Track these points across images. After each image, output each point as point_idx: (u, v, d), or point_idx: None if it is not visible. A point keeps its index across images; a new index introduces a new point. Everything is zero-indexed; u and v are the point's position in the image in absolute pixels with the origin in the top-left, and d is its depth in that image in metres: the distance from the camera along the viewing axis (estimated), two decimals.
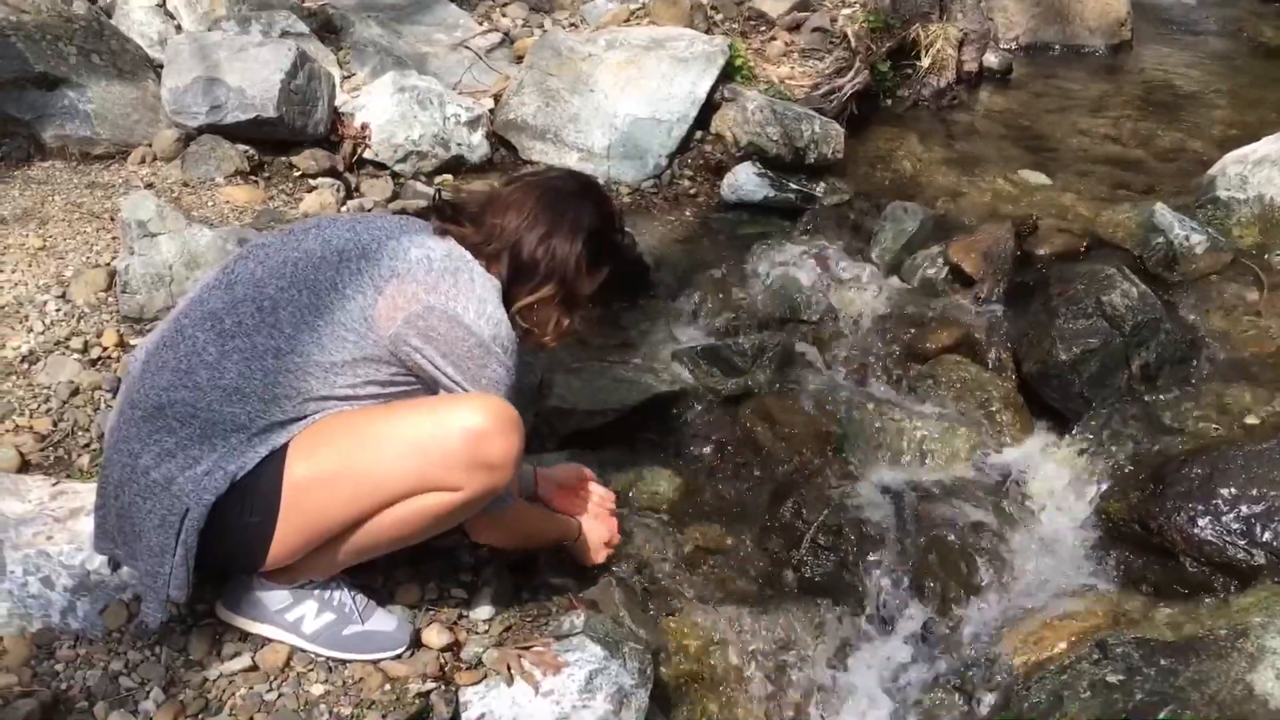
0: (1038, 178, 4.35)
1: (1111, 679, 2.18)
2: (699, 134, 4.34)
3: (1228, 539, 2.51)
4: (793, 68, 4.81)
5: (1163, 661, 2.15)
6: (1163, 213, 3.68)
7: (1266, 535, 2.49)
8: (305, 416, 1.97)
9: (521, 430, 2.00)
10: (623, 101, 4.26)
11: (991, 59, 5.27)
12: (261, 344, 1.95)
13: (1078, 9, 5.87)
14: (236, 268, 2.06)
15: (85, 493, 2.30)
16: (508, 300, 2.10)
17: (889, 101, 4.90)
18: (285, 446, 1.94)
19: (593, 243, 2.16)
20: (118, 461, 1.95)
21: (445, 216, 2.15)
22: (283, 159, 3.89)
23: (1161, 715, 2.07)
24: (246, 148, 3.80)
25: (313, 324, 1.96)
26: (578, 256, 2.13)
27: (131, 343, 2.79)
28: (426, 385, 2.05)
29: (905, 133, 4.71)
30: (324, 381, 1.97)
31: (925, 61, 4.90)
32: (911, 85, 4.92)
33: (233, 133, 3.79)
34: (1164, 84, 5.57)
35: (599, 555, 2.46)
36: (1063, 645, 2.40)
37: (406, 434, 1.94)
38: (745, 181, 4.08)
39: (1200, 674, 2.09)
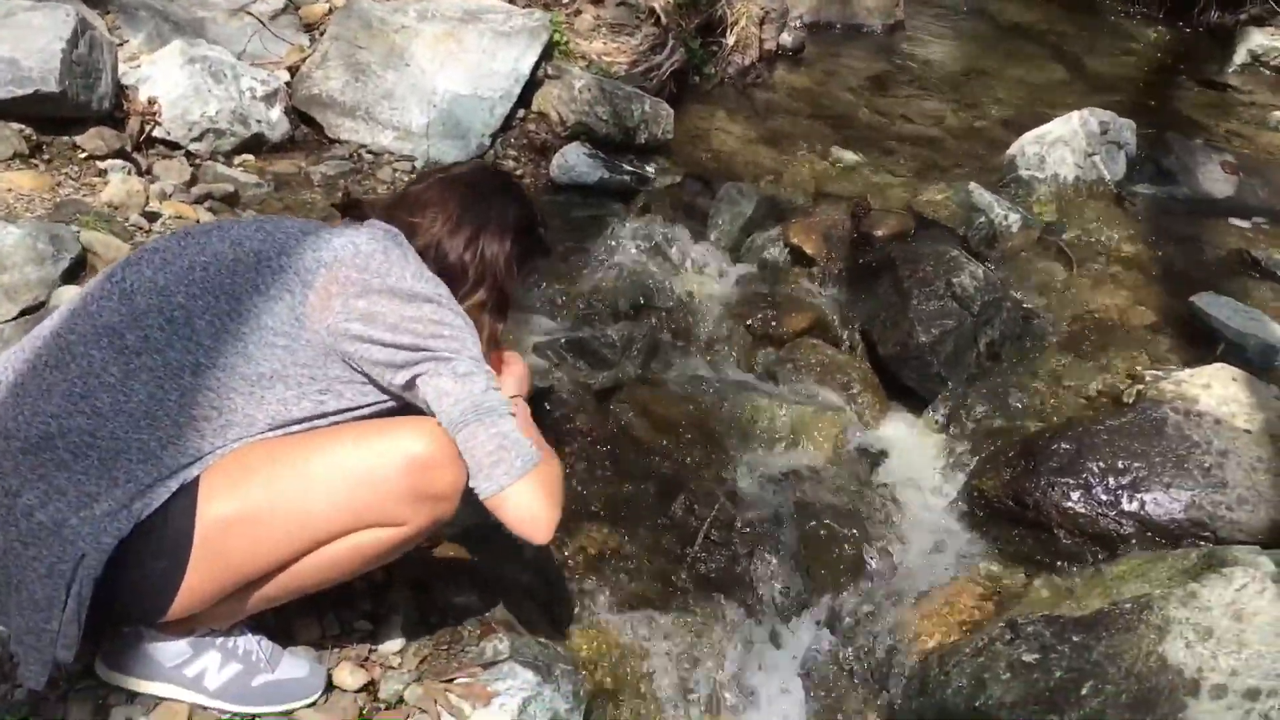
0: (849, 156, 4.47)
1: (1028, 658, 2.26)
2: (521, 112, 4.18)
3: (1099, 511, 2.66)
4: (605, 43, 4.71)
5: (1074, 638, 2.25)
6: (980, 193, 3.87)
7: (1133, 505, 2.65)
8: (225, 447, 1.72)
9: None
10: (441, 77, 4.03)
11: (786, 38, 5.38)
12: (176, 360, 1.68)
13: None
14: (129, 275, 1.77)
15: None
16: None
17: (698, 79, 4.89)
18: (198, 479, 1.68)
19: (520, 241, 2.01)
20: None
21: (355, 216, 1.97)
22: (64, 139, 3.42)
23: (1084, 691, 2.15)
24: (22, 126, 3.33)
25: (236, 332, 1.71)
26: (507, 256, 1.98)
27: None
28: (374, 385, 1.81)
29: (718, 111, 4.73)
30: (250, 398, 1.72)
31: (731, 39, 4.93)
32: (718, 63, 4.93)
33: (6, 110, 3.30)
34: (938, 62, 5.87)
35: None
36: (965, 625, 2.47)
37: (341, 464, 1.72)
38: (577, 162, 3.96)
39: (1113, 648, 2.19)
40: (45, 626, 1.63)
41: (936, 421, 3.10)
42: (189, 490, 1.68)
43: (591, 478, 2.82)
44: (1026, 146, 4.22)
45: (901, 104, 5.15)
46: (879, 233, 3.68)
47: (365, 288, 1.76)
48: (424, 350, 1.77)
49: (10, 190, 3.08)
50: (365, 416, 1.83)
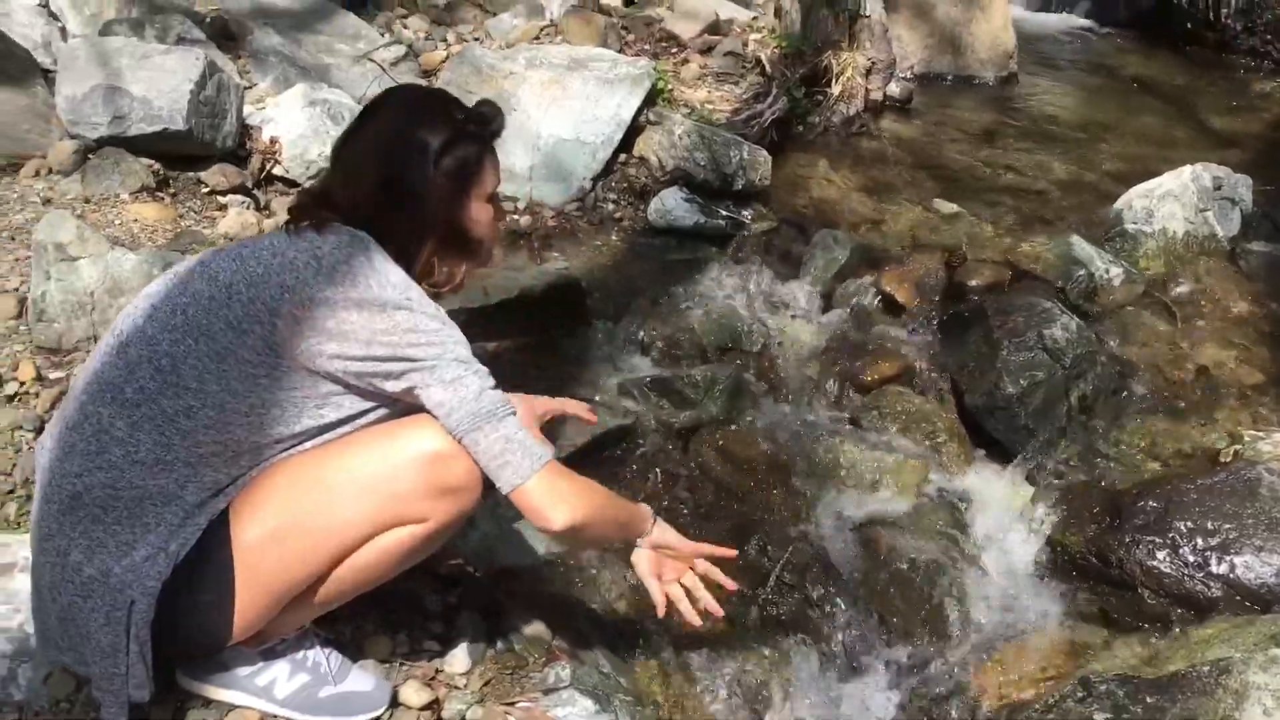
0: (950, 206, 4.43)
1: (1099, 717, 2.20)
2: (622, 157, 4.28)
3: (1186, 571, 2.58)
4: (709, 91, 4.80)
5: (1149, 699, 2.18)
6: (1081, 245, 3.80)
7: (1222, 568, 2.56)
8: (242, 471, 1.79)
9: None
10: (546, 122, 4.16)
11: (894, 88, 5.37)
12: (170, 406, 1.74)
13: (969, 41, 6.04)
14: (125, 327, 1.83)
15: (16, 545, 2.11)
16: (404, 266, 1.86)
17: (801, 128, 4.93)
18: (227, 511, 1.76)
19: (447, 155, 1.89)
20: (45, 562, 1.75)
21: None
22: (190, 174, 3.66)
23: None
24: (152, 162, 3.56)
25: (217, 372, 1.75)
26: (435, 185, 1.88)
27: (51, 376, 2.56)
28: (365, 396, 1.83)
29: (820, 159, 4.75)
30: (249, 428, 1.77)
31: (836, 89, 4.96)
32: (822, 112, 4.96)
33: (137, 145, 3.55)
34: (1051, 115, 5.78)
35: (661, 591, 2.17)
36: (1039, 681, 2.42)
37: (356, 472, 1.78)
38: (674, 206, 4.03)
39: (1187, 711, 2.12)
40: (115, 670, 1.72)
41: (1022, 474, 3.04)
42: (220, 522, 1.75)
43: (665, 514, 2.82)
44: (1134, 200, 4.14)
45: (1009, 155, 5.10)
46: (973, 283, 3.65)
47: (331, 305, 1.74)
48: (404, 360, 1.76)
49: (136, 220, 3.29)
50: (374, 420, 1.85)
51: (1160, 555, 2.61)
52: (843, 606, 2.71)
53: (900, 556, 2.81)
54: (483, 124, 1.97)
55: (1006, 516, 2.98)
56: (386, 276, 1.78)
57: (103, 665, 1.72)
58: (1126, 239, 4.02)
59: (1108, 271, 3.70)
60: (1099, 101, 6.04)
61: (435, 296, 1.90)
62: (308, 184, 3.38)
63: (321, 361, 1.76)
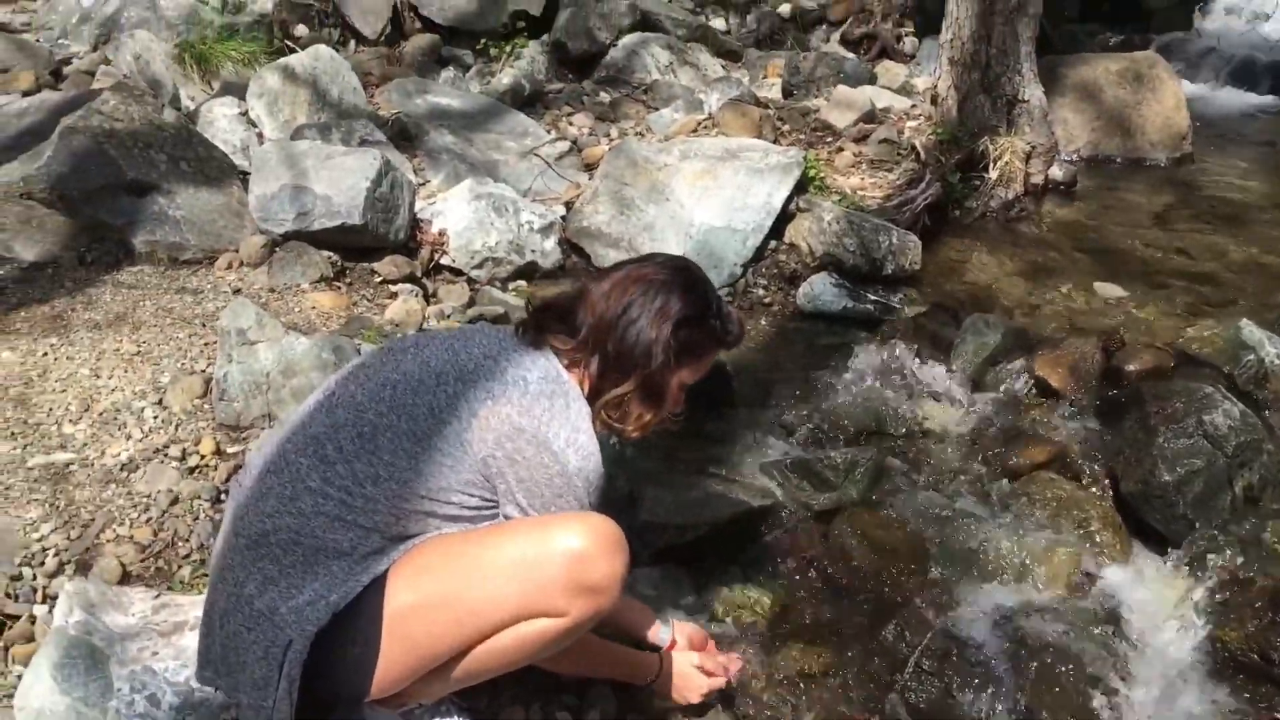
0: (1113, 290, 4.33)
1: None
2: (773, 243, 4.36)
3: None
4: (863, 178, 4.85)
5: None
6: (1250, 329, 3.65)
7: None
8: (407, 538, 1.95)
9: (626, 550, 1.96)
10: (698, 211, 4.29)
11: (1056, 171, 5.29)
12: (361, 471, 1.92)
13: (1139, 122, 5.91)
14: (338, 390, 2.04)
15: (188, 606, 2.28)
16: (595, 396, 2.06)
17: (957, 213, 4.91)
18: (386, 573, 1.91)
19: (682, 331, 2.07)
20: (223, 590, 1.92)
21: (539, 326, 2.11)
22: (364, 265, 3.92)
23: None
24: (330, 254, 3.84)
25: (410, 451, 1.94)
26: (665, 345, 2.05)
27: (229, 451, 2.78)
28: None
29: (976, 244, 4.71)
30: (424, 502, 1.95)
31: (993, 174, 4.93)
32: (979, 197, 4.93)
33: (318, 239, 3.84)
34: (1227, 197, 5.57)
35: (689, 695, 2.39)
36: None
37: (507, 558, 1.90)
38: (823, 292, 4.07)
39: None
40: (263, 703, 1.87)
41: (1181, 565, 2.91)
42: (378, 584, 1.90)
43: (803, 597, 2.85)
44: None
45: (1179, 238, 4.94)
46: (1131, 367, 3.55)
47: (518, 429, 1.93)
48: (537, 503, 1.96)
49: (314, 308, 3.55)
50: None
51: None
52: (986, 698, 2.63)
53: (1048, 648, 2.71)
54: (725, 328, 2.19)
55: (1163, 609, 2.85)
56: (577, 436, 1.97)
57: (252, 695, 1.87)
58: None
59: (1279, 357, 3.54)
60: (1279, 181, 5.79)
61: (609, 434, 2.12)
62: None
63: (491, 466, 1.95)
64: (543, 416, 1.95)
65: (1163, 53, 6.69)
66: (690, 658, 2.40)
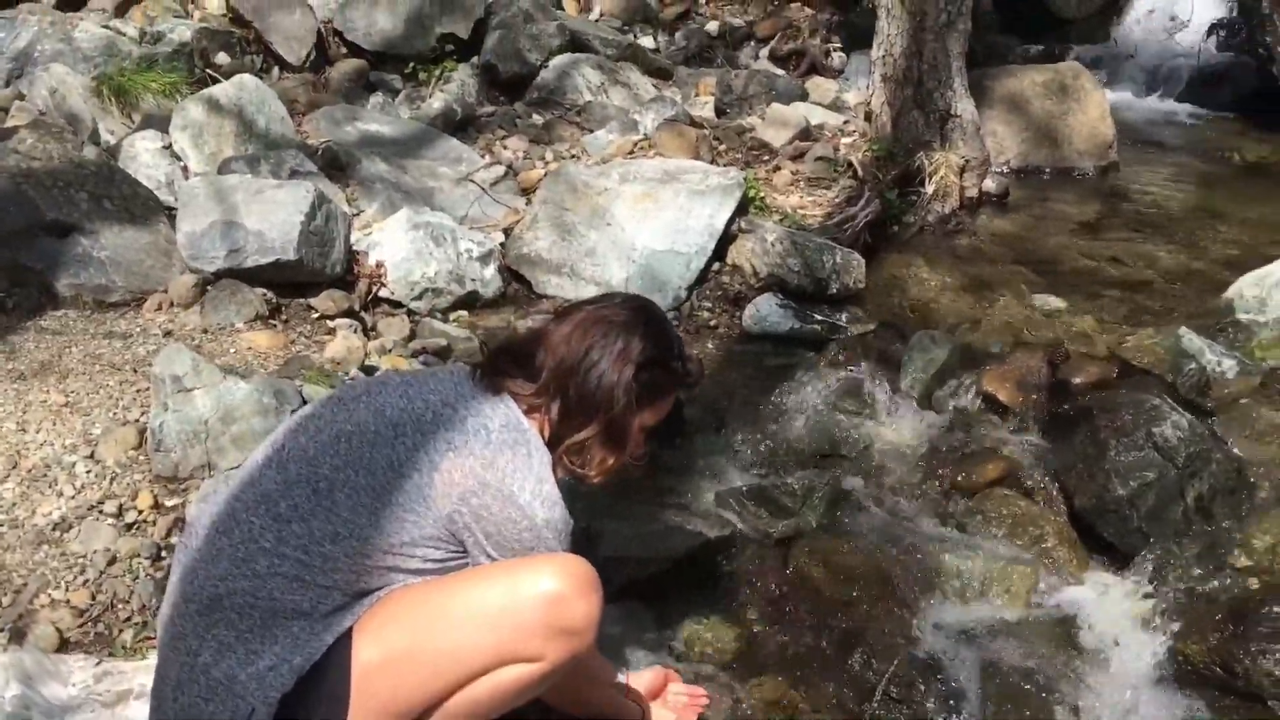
0: (1052, 302, 4.36)
1: None
2: (716, 265, 4.34)
3: None
4: (802, 197, 4.85)
5: None
6: (1190, 338, 3.69)
7: None
8: (369, 593, 1.88)
9: (600, 589, 1.91)
10: (640, 234, 4.25)
11: (990, 184, 5.35)
12: (319, 529, 1.85)
13: (1066, 132, 6.01)
14: (287, 443, 1.96)
15: (132, 673, 2.18)
16: (555, 442, 2.02)
17: (896, 228, 4.93)
18: (350, 630, 1.84)
19: (644, 373, 2.05)
20: (175, 660, 1.83)
21: (496, 370, 2.06)
22: (300, 301, 3.82)
23: None
24: (265, 291, 3.73)
25: (370, 506, 1.87)
26: (627, 388, 2.02)
27: (167, 504, 2.67)
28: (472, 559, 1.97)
29: (915, 259, 4.72)
30: (386, 557, 1.88)
31: (930, 189, 4.96)
32: (917, 212, 4.97)
33: (252, 276, 3.73)
34: (1155, 204, 5.68)
35: None
36: None
37: (479, 605, 1.85)
38: (769, 313, 4.05)
39: None
40: None
41: (1137, 579, 2.92)
42: (343, 642, 1.83)
43: (767, 627, 2.81)
44: (1245, 289, 4.01)
45: (1111, 247, 5.01)
46: (1077, 380, 3.57)
47: (483, 484, 1.89)
48: (508, 552, 1.92)
49: (250, 348, 3.44)
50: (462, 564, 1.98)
51: None
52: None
53: (1011, 667, 2.71)
54: (685, 371, 2.17)
55: (1123, 623, 2.85)
56: (542, 486, 1.93)
57: None
58: (1239, 329, 3.89)
59: (1220, 364, 3.58)
60: (1204, 188, 5.92)
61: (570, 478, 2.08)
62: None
63: (456, 522, 1.90)
64: (506, 469, 1.90)
65: (1082, 62, 6.81)
66: (666, 716, 2.37)
